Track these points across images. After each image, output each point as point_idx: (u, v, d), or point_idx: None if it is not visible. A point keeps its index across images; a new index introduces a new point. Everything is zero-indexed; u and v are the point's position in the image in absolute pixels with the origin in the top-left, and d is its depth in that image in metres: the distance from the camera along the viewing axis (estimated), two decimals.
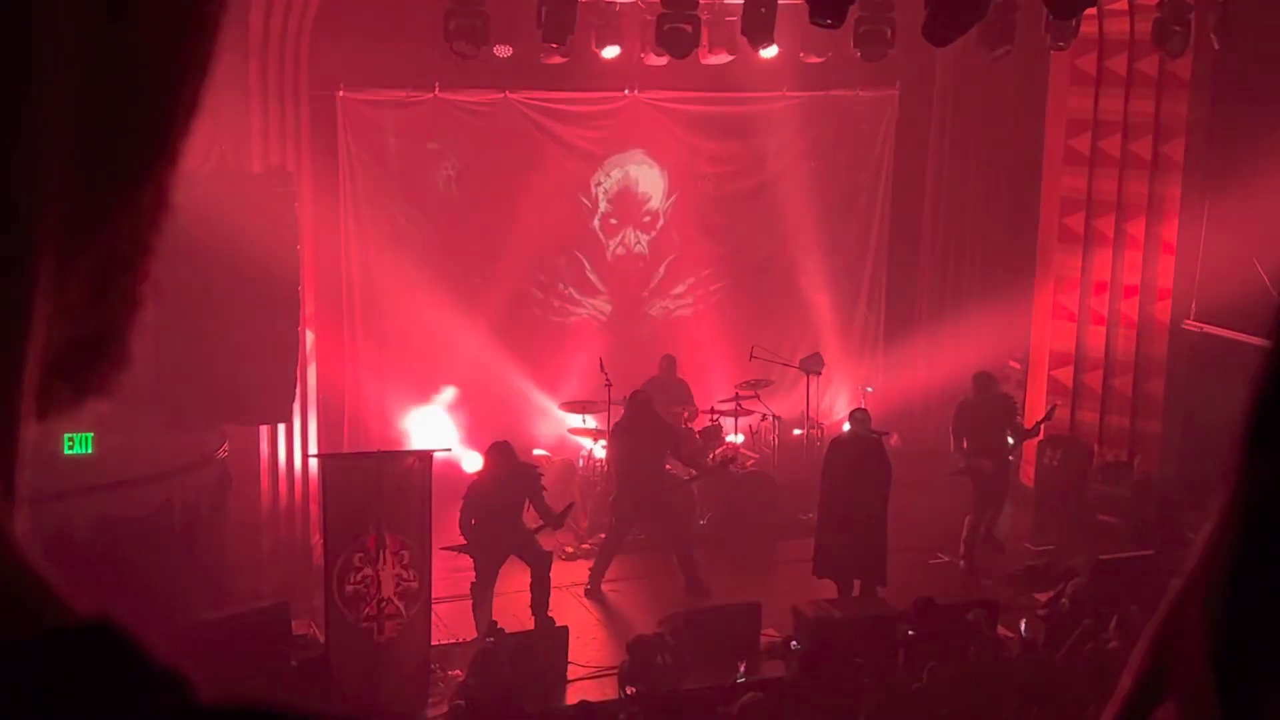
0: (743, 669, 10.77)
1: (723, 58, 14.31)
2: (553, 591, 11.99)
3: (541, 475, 12.24)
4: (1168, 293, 14.82)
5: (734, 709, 9.38)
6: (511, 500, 11.76)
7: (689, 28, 12.55)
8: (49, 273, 0.62)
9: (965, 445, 13.62)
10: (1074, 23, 13.30)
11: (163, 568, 10.87)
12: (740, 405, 15.71)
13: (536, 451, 15.22)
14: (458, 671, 10.88)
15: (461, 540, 11.75)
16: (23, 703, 0.54)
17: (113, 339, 0.68)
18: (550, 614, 11.80)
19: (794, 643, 11.20)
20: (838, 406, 16.62)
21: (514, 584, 11.94)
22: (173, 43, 0.65)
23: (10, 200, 0.59)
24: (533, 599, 11.82)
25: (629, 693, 10.30)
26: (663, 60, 13.81)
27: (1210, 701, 0.59)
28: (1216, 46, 13.13)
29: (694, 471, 13.82)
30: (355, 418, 15.01)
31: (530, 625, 11.65)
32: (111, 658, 0.58)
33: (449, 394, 15.39)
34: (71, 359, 0.66)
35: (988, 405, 13.69)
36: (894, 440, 14.30)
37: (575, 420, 15.34)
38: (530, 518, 11.99)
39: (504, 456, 11.89)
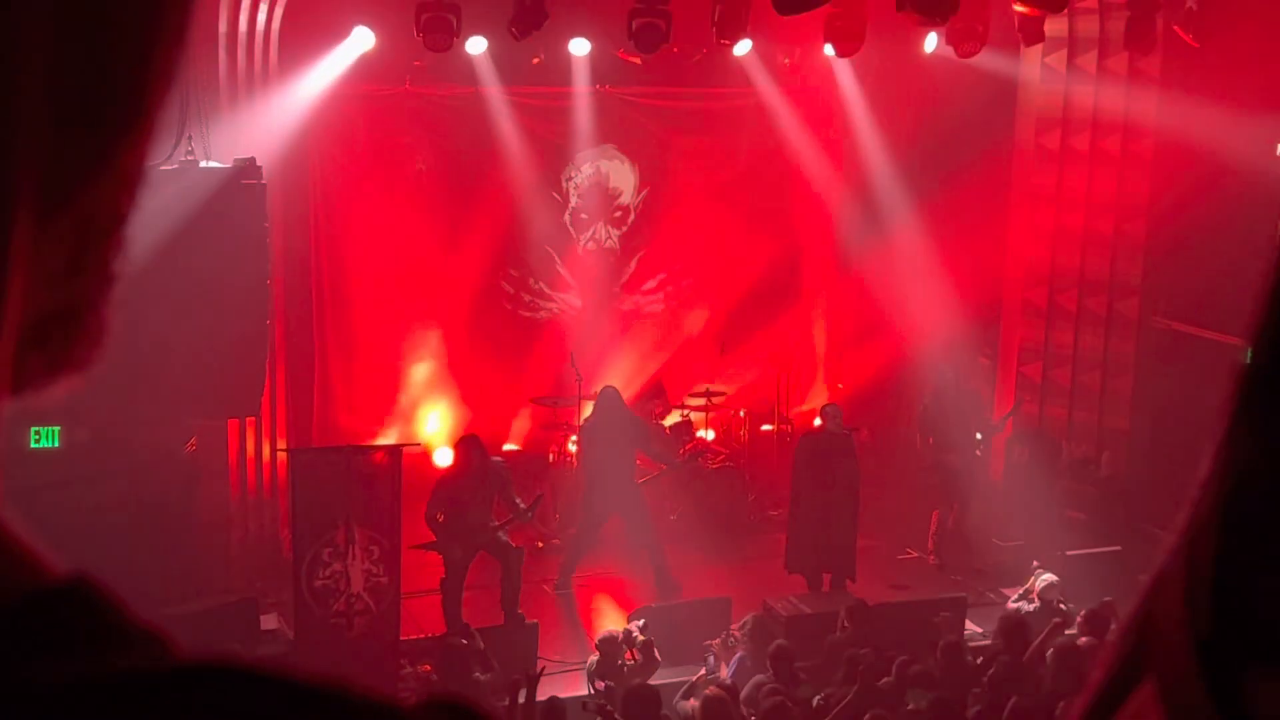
0: (711, 661, 10.78)
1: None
2: (523, 587, 11.98)
3: (510, 471, 12.22)
4: (1136, 289, 14.89)
5: (698, 704, 9.39)
6: (481, 495, 11.73)
7: (661, 23, 12.53)
8: (25, 235, 0.61)
9: (933, 441, 13.68)
10: (1043, 21, 13.38)
11: (130, 562, 10.81)
12: (710, 401, 15.75)
13: (506, 446, 15.23)
14: (427, 666, 10.87)
15: (427, 534, 11.73)
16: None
17: (88, 312, 0.67)
18: (520, 610, 11.79)
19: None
20: (807, 402, 16.65)
21: (484, 579, 11.92)
22: (147, 6, 0.64)
23: None
24: (503, 595, 11.81)
25: (598, 688, 10.31)
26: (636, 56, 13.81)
27: (1191, 679, 0.59)
28: (1195, 45, 13.19)
29: (664, 467, 13.83)
30: (324, 412, 14.96)
31: (500, 621, 11.65)
32: (88, 616, 0.59)
33: (420, 390, 15.37)
34: (46, 331, 0.65)
35: (955, 401, 13.75)
36: (863, 435, 14.34)
37: (546, 415, 15.34)
38: (499, 513, 11.97)
39: (473, 451, 11.86)
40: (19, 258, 0.61)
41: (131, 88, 0.64)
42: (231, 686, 0.56)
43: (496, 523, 11.91)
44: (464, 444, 12.02)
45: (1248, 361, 0.60)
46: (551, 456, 14.90)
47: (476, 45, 13.85)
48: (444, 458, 13.40)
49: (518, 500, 11.91)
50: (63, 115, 0.61)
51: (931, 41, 14.63)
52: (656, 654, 10.53)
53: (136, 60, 0.64)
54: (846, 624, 10.86)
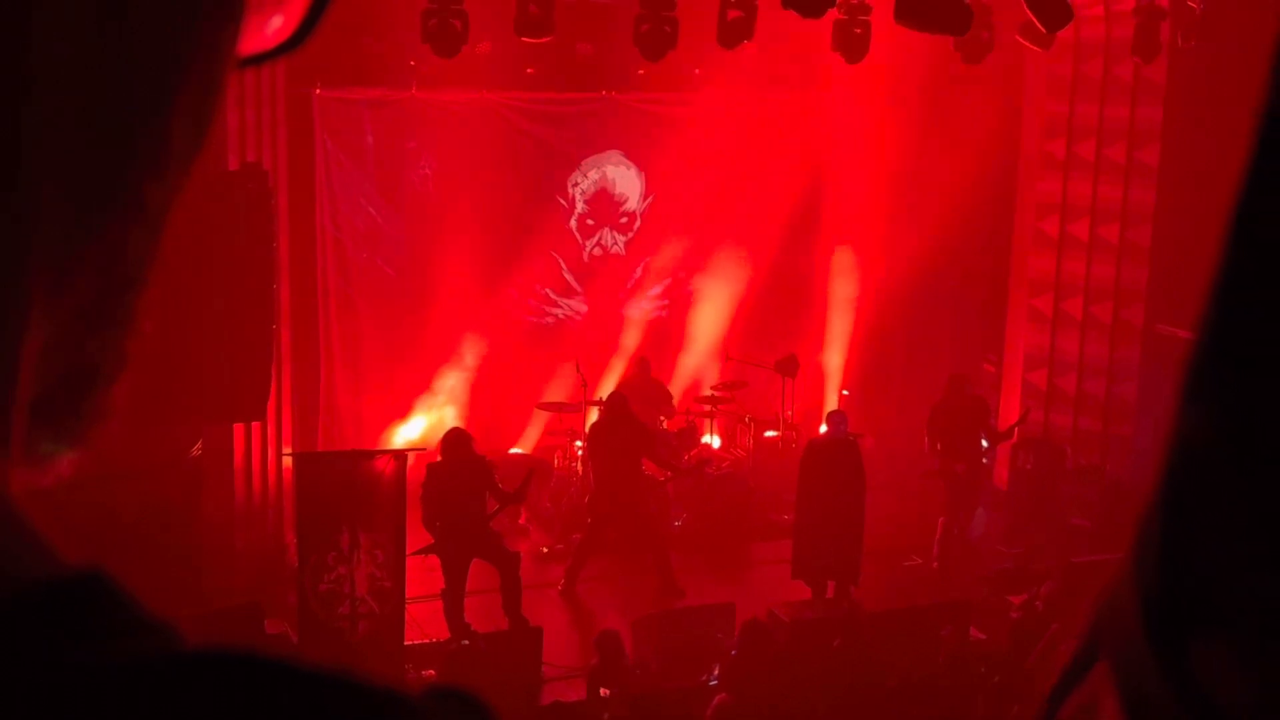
0: (716, 672, 10.75)
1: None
2: (528, 591, 11.97)
3: (495, 467, 12.18)
4: (1141, 297, 14.89)
5: (706, 711, 9.39)
6: (468, 488, 11.68)
7: (667, 29, 12.52)
8: (49, 265, 0.61)
9: (939, 447, 13.67)
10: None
11: (134, 566, 10.82)
12: (716, 407, 15.76)
13: (512, 451, 15.24)
14: (431, 672, 10.87)
15: (429, 538, 11.72)
16: (10, 654, 0.55)
17: (105, 373, 0.67)
18: (524, 614, 11.79)
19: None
20: (812, 409, 16.64)
21: (488, 584, 11.92)
22: (170, 52, 0.64)
23: (10, 186, 0.59)
24: (504, 600, 11.80)
25: (602, 694, 10.30)
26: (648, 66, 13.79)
27: (1138, 646, 0.60)
28: (1200, 51, 13.17)
29: (669, 473, 13.83)
30: (330, 417, 14.98)
31: (504, 625, 11.65)
32: (103, 606, 0.60)
33: (425, 394, 15.37)
34: (57, 400, 0.65)
35: (961, 408, 13.74)
36: (868, 442, 14.34)
37: (552, 421, 15.35)
38: (491, 506, 11.92)
39: (456, 445, 11.82)
40: (38, 309, 0.61)
41: (154, 131, 0.64)
42: (243, 672, 0.58)
43: (494, 530, 11.92)
44: (449, 438, 12.00)
45: (1196, 332, 0.61)
46: (556, 461, 14.92)
47: (483, 47, 13.85)
48: None
49: (500, 486, 11.87)
50: (86, 150, 0.61)
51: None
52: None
53: (159, 102, 0.64)
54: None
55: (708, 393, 16.01)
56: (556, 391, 15.50)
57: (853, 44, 13.15)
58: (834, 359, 17.19)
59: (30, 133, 0.59)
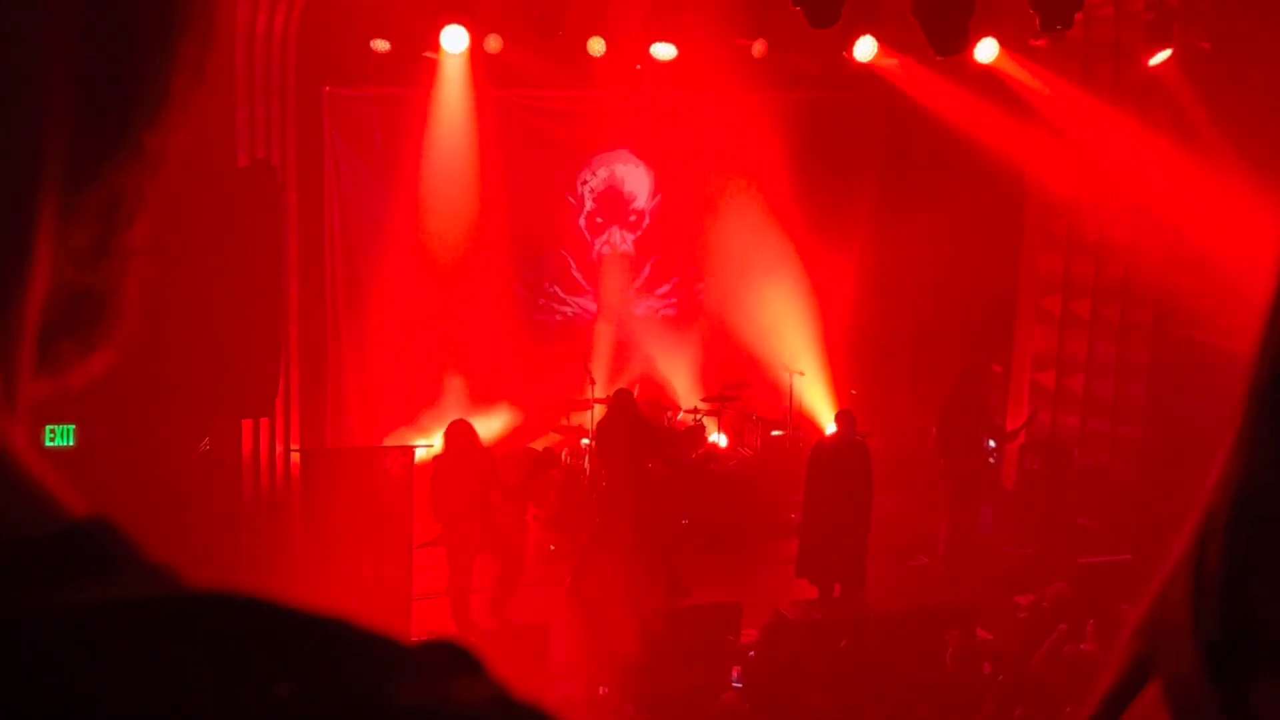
0: (736, 674, 10.71)
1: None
2: (534, 589, 11.98)
3: (500, 461, 12.18)
4: (1150, 297, 14.85)
5: (713, 709, 9.39)
6: (472, 481, 11.68)
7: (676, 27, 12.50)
8: (51, 214, 0.63)
9: (946, 448, 13.65)
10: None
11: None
12: (723, 405, 15.75)
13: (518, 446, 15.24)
14: None
15: (438, 529, 11.73)
16: (9, 602, 0.56)
17: (115, 293, 0.69)
18: (531, 611, 11.80)
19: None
20: (820, 408, 16.63)
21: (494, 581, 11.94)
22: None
23: (13, 131, 0.60)
24: (496, 593, 11.81)
25: (601, 693, 10.31)
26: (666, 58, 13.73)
27: (1198, 682, 0.60)
28: (1207, 47, 13.15)
29: (676, 471, 13.82)
30: (338, 412, 14.99)
31: (511, 622, 11.66)
32: (108, 550, 0.61)
33: (432, 391, 15.38)
34: (74, 312, 0.67)
35: (969, 408, 13.72)
36: (875, 441, 14.31)
37: (559, 418, 15.36)
38: (495, 500, 11.95)
39: (459, 437, 11.81)
40: (46, 235, 0.63)
41: (155, 70, 0.66)
42: (240, 611, 0.59)
43: (498, 524, 11.94)
44: (452, 430, 11.97)
45: (1258, 369, 0.60)
46: (564, 456, 14.91)
47: (493, 44, 13.85)
48: None
49: (504, 481, 11.89)
50: (87, 96, 0.63)
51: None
52: None
53: (160, 43, 0.66)
54: None
55: (715, 391, 16.00)
56: (564, 389, 15.49)
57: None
58: (842, 358, 17.18)
59: (40, 82, 0.61)
